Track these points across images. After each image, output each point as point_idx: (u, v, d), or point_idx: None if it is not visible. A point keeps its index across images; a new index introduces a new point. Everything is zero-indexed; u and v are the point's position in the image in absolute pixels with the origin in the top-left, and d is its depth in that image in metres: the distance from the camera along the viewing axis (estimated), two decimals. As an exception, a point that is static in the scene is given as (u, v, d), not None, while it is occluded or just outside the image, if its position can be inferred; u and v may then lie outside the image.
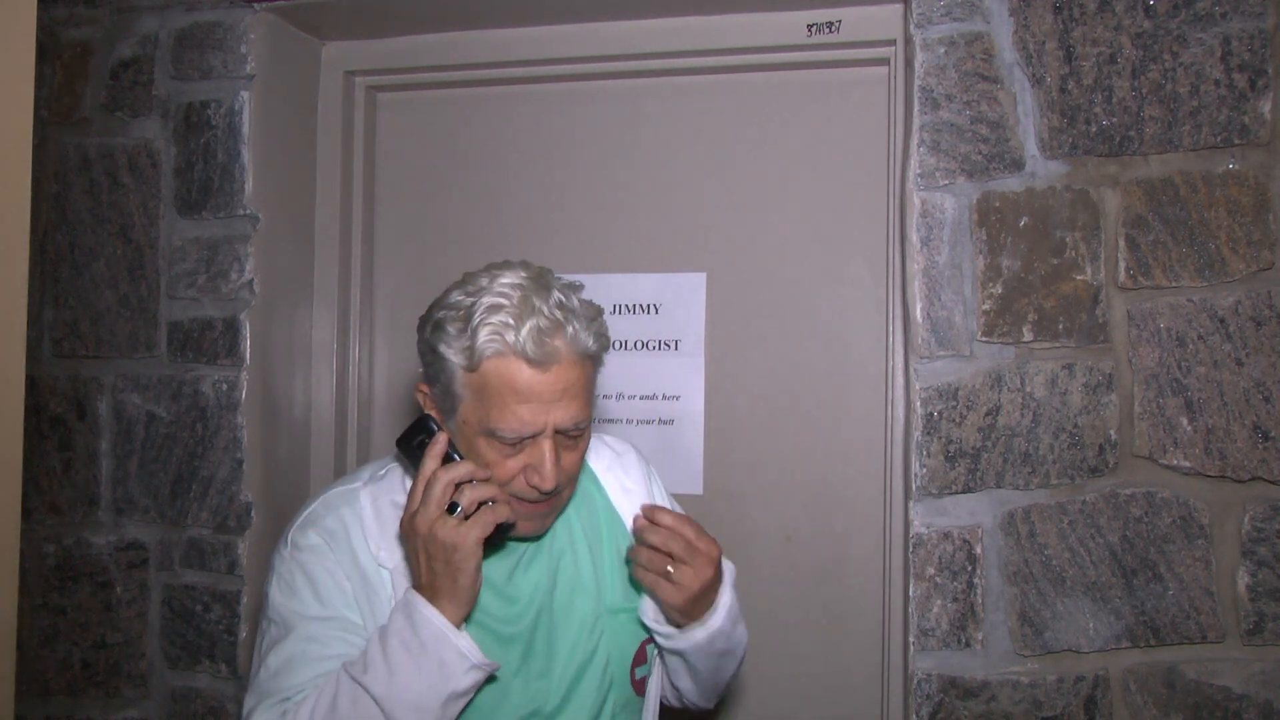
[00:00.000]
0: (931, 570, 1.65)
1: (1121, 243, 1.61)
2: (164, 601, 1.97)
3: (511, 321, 1.04)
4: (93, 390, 2.00)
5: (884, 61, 1.91)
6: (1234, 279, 1.57)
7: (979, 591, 1.63)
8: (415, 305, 2.15)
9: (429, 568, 1.05)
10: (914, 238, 1.67)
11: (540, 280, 1.10)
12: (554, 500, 1.14)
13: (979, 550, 1.63)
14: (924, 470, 1.65)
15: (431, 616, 1.04)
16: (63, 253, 2.01)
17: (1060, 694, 1.61)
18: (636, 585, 1.21)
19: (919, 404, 1.65)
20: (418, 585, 1.07)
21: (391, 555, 1.14)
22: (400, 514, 1.11)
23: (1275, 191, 1.56)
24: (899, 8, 1.81)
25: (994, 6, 1.65)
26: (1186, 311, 1.58)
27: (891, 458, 1.84)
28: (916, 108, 1.67)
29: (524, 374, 1.05)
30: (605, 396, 2.06)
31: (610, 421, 2.05)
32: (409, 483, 1.15)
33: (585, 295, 1.14)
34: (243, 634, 1.92)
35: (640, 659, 1.24)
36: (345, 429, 2.13)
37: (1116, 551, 1.60)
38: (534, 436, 1.08)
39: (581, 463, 1.17)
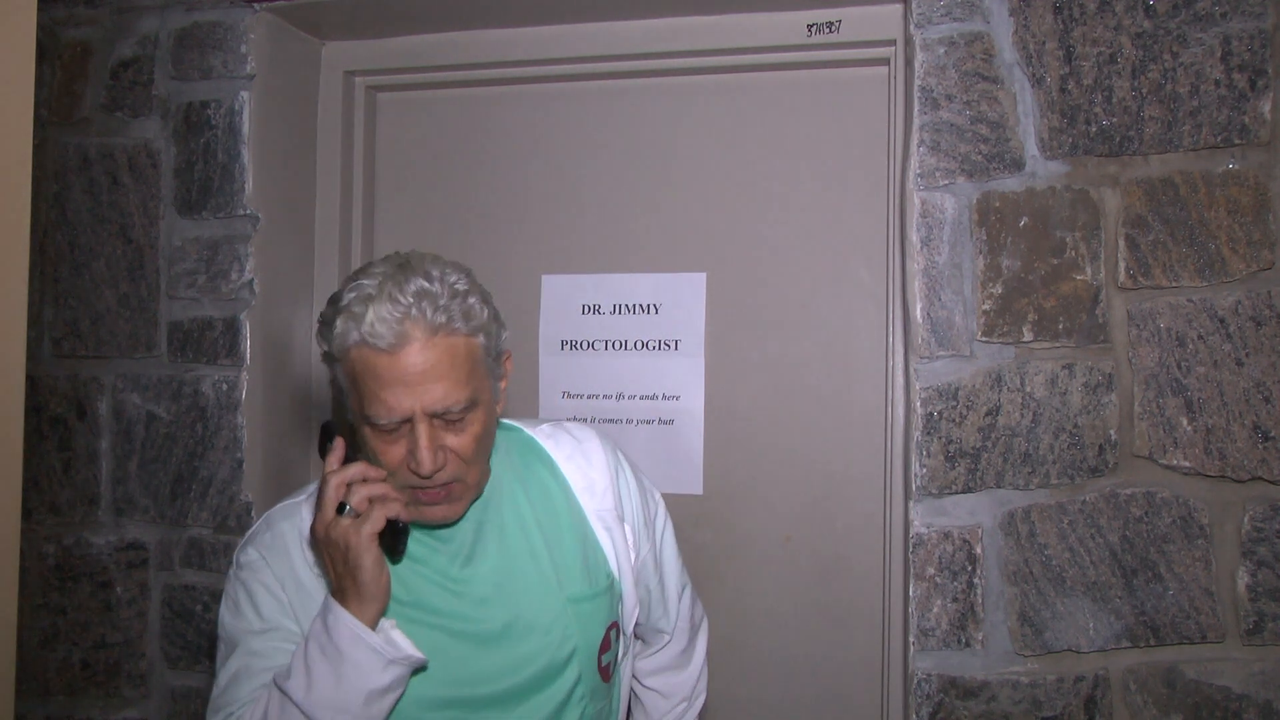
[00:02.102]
0: (931, 570, 1.65)
1: (1121, 243, 1.61)
2: (164, 601, 1.97)
3: (359, 310, 1.05)
4: (93, 390, 2.00)
5: (884, 61, 1.91)
6: (1234, 279, 1.57)
7: (979, 591, 1.63)
8: (415, 305, 2.16)
9: (334, 570, 1.07)
10: (914, 238, 1.67)
11: (406, 266, 1.09)
12: (452, 486, 1.12)
13: (979, 550, 1.63)
14: (924, 470, 1.65)
15: (342, 617, 1.06)
16: (63, 253, 2.02)
17: (1060, 694, 1.61)
18: (599, 572, 1.23)
19: (919, 404, 1.65)
20: (332, 592, 1.09)
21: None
22: None
23: (1275, 191, 1.56)
24: (899, 8, 1.81)
25: (994, 6, 1.65)
26: (1186, 311, 1.58)
27: (891, 458, 1.84)
28: (916, 108, 1.67)
29: (379, 359, 1.05)
30: (605, 396, 2.06)
31: (610, 421, 2.05)
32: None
33: (466, 280, 1.14)
34: (243, 634, 1.92)
35: (605, 646, 1.24)
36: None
37: (1116, 551, 1.60)
38: (409, 421, 1.07)
39: (479, 444, 1.13)
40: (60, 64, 2.03)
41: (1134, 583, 1.59)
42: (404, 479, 1.10)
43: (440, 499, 1.12)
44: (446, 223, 2.15)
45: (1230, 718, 1.57)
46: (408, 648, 1.08)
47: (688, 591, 1.42)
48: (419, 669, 1.11)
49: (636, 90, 2.07)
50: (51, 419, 2.02)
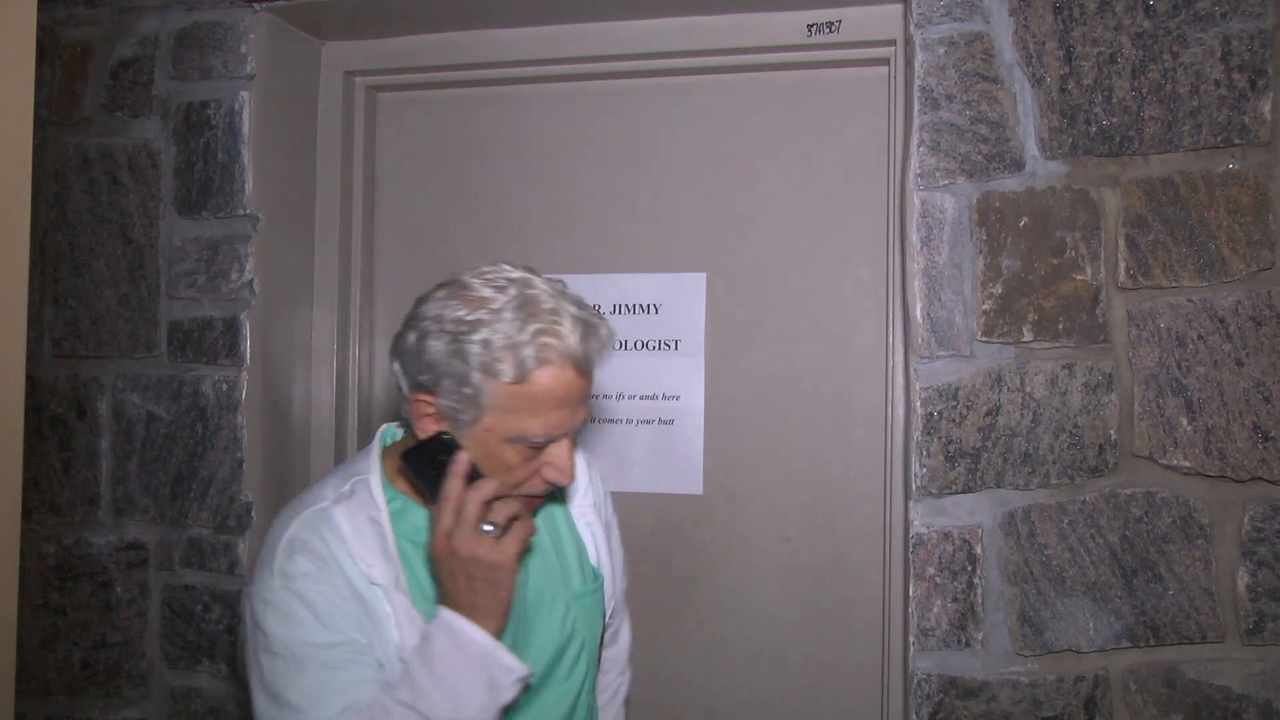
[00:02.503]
0: (931, 570, 1.65)
1: (1121, 243, 1.61)
2: (164, 601, 1.97)
3: (559, 329, 1.06)
4: (93, 390, 2.00)
5: (884, 61, 1.91)
6: (1234, 279, 1.57)
7: (979, 591, 1.63)
8: (415, 305, 2.16)
9: (469, 588, 1.06)
10: (914, 238, 1.67)
11: (551, 283, 1.12)
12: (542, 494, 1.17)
13: (979, 550, 1.63)
14: (924, 470, 1.65)
15: (478, 637, 1.05)
16: (63, 253, 2.02)
17: (1060, 694, 1.61)
18: (589, 568, 1.28)
19: (919, 404, 1.65)
20: (452, 604, 1.07)
21: (383, 572, 1.11)
22: (378, 530, 1.12)
23: (1275, 191, 1.56)
24: (899, 8, 1.81)
25: (994, 6, 1.65)
26: (1186, 311, 1.58)
27: (891, 458, 1.84)
28: (916, 108, 1.67)
29: (569, 380, 1.07)
30: (605, 396, 2.06)
31: (610, 421, 2.05)
32: (379, 495, 1.15)
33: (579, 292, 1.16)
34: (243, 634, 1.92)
35: (602, 637, 1.30)
36: (345, 429, 2.13)
37: (1116, 551, 1.60)
38: (559, 438, 1.11)
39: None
40: (60, 64, 2.02)
41: (1134, 583, 1.59)
42: (530, 488, 1.13)
43: (537, 507, 1.18)
44: (446, 222, 2.15)
45: (1230, 718, 1.57)
46: (524, 666, 1.08)
47: (626, 576, 1.45)
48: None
49: (636, 90, 2.07)
50: (51, 419, 2.02)
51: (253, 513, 1.92)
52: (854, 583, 1.94)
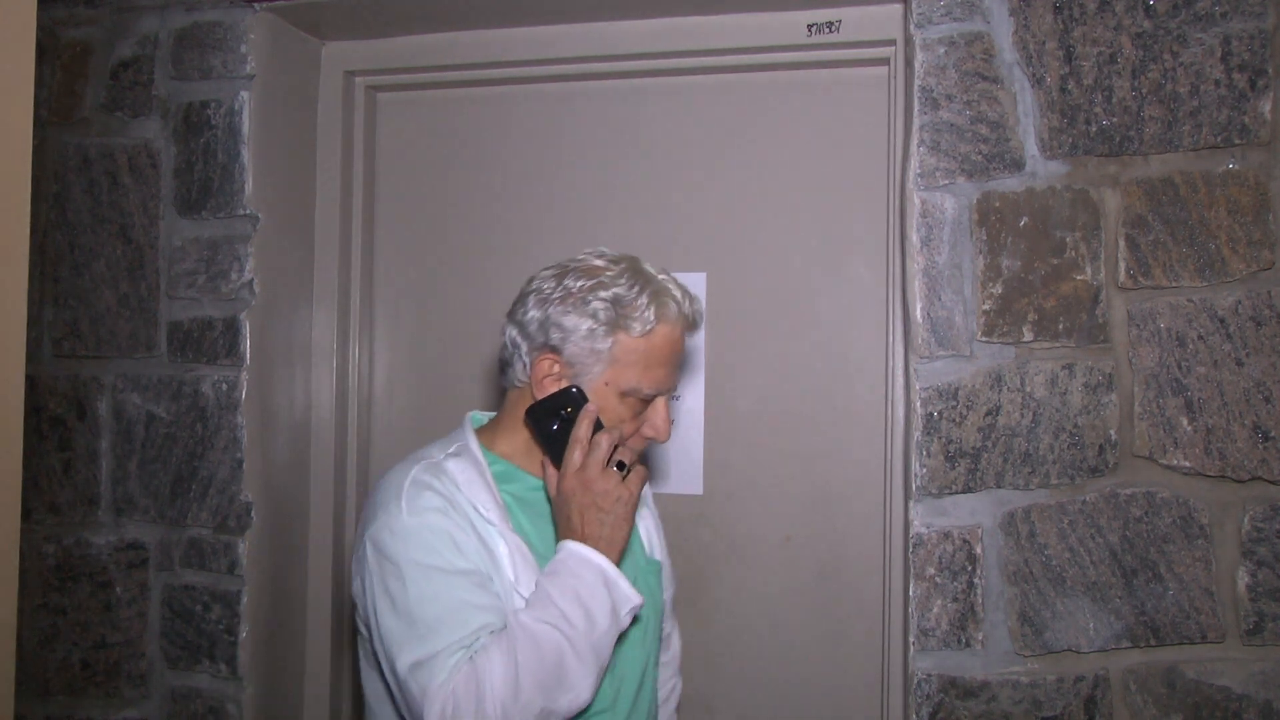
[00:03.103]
0: (931, 570, 1.65)
1: (1121, 243, 1.61)
2: (164, 601, 1.97)
3: (678, 295, 1.23)
4: (93, 390, 2.00)
5: (884, 61, 1.91)
6: (1234, 279, 1.57)
7: (979, 591, 1.63)
8: (415, 305, 2.17)
9: (599, 519, 1.16)
10: (914, 238, 1.67)
11: (637, 261, 1.28)
12: None
13: (979, 550, 1.63)
14: (924, 470, 1.65)
15: (604, 564, 1.15)
16: (63, 253, 2.01)
17: (1060, 694, 1.61)
18: (645, 551, 1.38)
19: (919, 404, 1.65)
20: (576, 538, 1.16)
21: (495, 513, 1.20)
22: (485, 480, 1.22)
23: (1275, 191, 1.56)
24: (899, 8, 1.81)
25: (994, 6, 1.65)
26: (1186, 311, 1.58)
27: (891, 458, 1.84)
28: (916, 108, 1.67)
29: (679, 339, 1.24)
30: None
31: (610, 421, 2.05)
32: (480, 455, 1.26)
33: None
34: (243, 634, 1.92)
35: (665, 615, 1.37)
36: (345, 429, 2.13)
37: (1116, 551, 1.60)
38: (663, 394, 1.25)
39: None
40: (60, 64, 2.02)
41: (1134, 583, 1.59)
42: (632, 444, 1.25)
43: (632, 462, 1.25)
44: (446, 222, 2.15)
45: (1230, 718, 1.57)
46: (638, 595, 1.18)
47: (673, 583, 1.53)
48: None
49: (636, 90, 2.07)
50: (51, 419, 2.02)
51: (253, 513, 1.92)
52: (854, 583, 1.94)
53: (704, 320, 1.28)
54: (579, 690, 1.12)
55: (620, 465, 1.18)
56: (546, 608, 1.12)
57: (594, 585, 1.14)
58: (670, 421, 1.26)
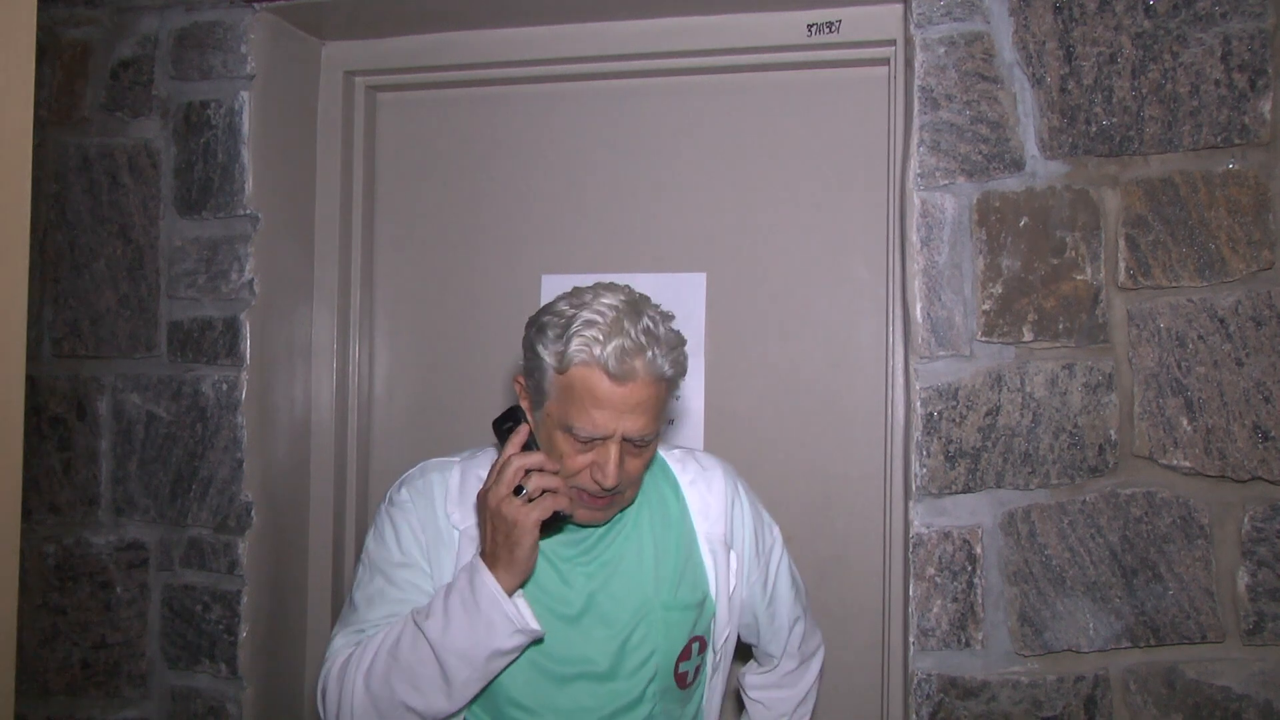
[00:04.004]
0: (931, 570, 1.65)
1: (1121, 243, 1.61)
2: (164, 601, 1.97)
3: (600, 337, 1.18)
4: (93, 390, 2.00)
5: (884, 61, 1.91)
6: (1234, 279, 1.57)
7: (979, 591, 1.63)
8: (415, 305, 2.17)
9: (492, 538, 1.19)
10: (914, 238, 1.67)
11: (635, 306, 1.23)
12: (614, 496, 1.26)
13: (979, 550, 1.63)
14: (924, 470, 1.65)
15: (488, 581, 1.18)
16: (63, 253, 2.01)
17: (1060, 694, 1.61)
18: (696, 588, 1.35)
19: (919, 404, 1.65)
20: (482, 553, 1.21)
21: (464, 519, 1.29)
22: (480, 488, 1.27)
23: (1275, 191, 1.56)
24: (899, 8, 1.81)
25: (994, 6, 1.65)
26: (1186, 311, 1.58)
27: (891, 458, 1.84)
28: (916, 108, 1.67)
29: (603, 385, 1.19)
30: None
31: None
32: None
33: (676, 329, 1.26)
34: (243, 634, 1.92)
35: (685, 655, 1.35)
36: (345, 429, 2.13)
37: (1116, 551, 1.60)
38: (604, 439, 1.21)
39: (645, 468, 1.29)
40: (60, 64, 2.02)
41: (1134, 583, 1.59)
42: (579, 481, 1.24)
43: (601, 506, 1.27)
44: (447, 222, 2.15)
45: (1230, 718, 1.57)
46: (533, 622, 1.20)
47: (800, 624, 1.53)
48: (536, 641, 1.24)
49: (636, 90, 2.07)
50: (51, 419, 2.02)
51: (253, 513, 1.92)
52: (854, 582, 1.94)
53: (653, 376, 1.20)
54: (430, 698, 1.19)
55: (519, 490, 1.18)
56: (427, 611, 1.20)
57: (470, 597, 1.18)
58: (616, 465, 1.21)
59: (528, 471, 1.19)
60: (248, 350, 1.93)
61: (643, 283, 2.04)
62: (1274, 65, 1.56)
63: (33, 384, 2.01)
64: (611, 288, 1.26)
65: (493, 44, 2.04)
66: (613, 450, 1.21)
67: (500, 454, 1.23)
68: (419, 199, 2.17)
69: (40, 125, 2.02)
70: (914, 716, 1.64)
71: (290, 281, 2.04)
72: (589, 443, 1.22)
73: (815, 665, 1.58)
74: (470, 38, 2.05)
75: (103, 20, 2.00)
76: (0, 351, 0.77)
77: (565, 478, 1.23)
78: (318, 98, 2.11)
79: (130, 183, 1.99)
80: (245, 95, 1.93)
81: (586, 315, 1.20)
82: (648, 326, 1.21)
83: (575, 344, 1.19)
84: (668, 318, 1.26)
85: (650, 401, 1.21)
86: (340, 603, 2.11)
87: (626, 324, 1.19)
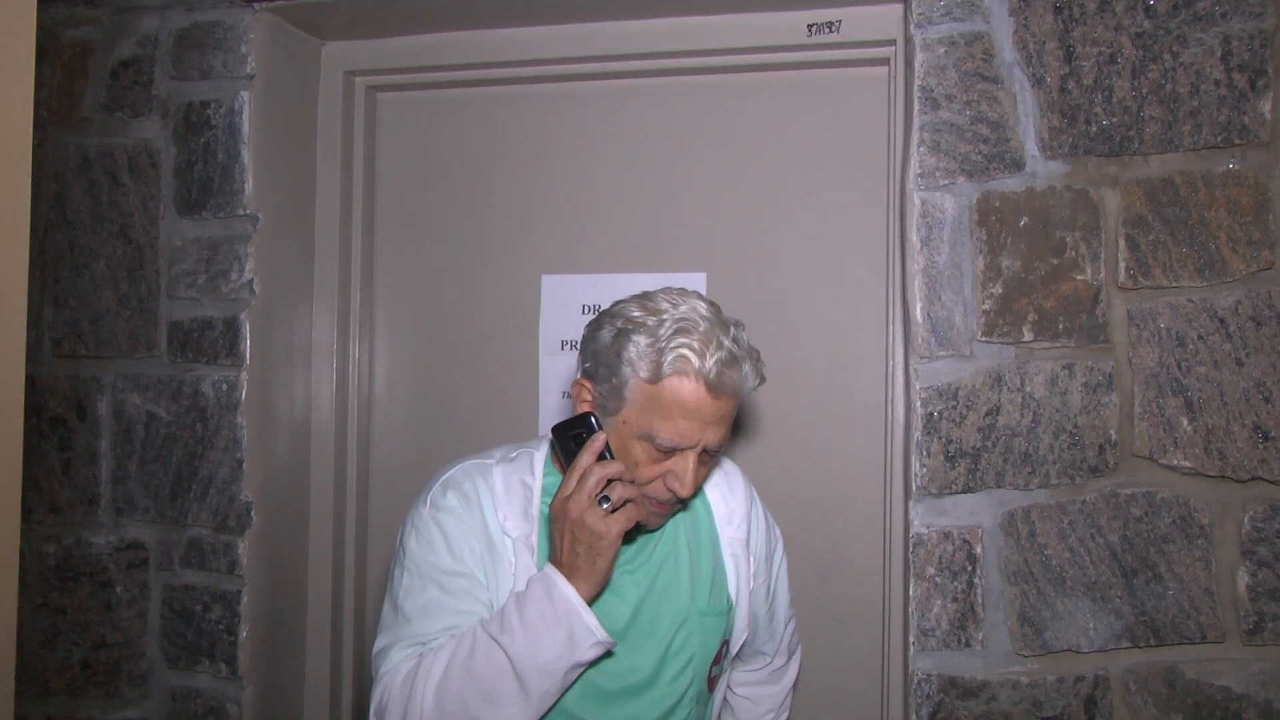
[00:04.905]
0: (931, 570, 1.65)
1: (1121, 243, 1.61)
2: (164, 601, 1.97)
3: (698, 347, 1.16)
4: (93, 390, 2.00)
5: (884, 61, 1.91)
6: (1234, 279, 1.57)
7: (979, 591, 1.63)
8: (415, 305, 2.17)
9: (572, 549, 1.16)
10: (914, 238, 1.67)
11: (720, 315, 1.22)
12: (678, 504, 1.25)
13: (979, 550, 1.63)
14: (924, 470, 1.65)
15: (568, 593, 1.15)
16: (63, 253, 2.01)
17: (1060, 694, 1.61)
18: (722, 593, 1.35)
19: (919, 404, 1.65)
20: (556, 562, 1.17)
21: (516, 526, 1.24)
22: (527, 493, 1.26)
23: (1275, 191, 1.56)
24: (899, 8, 1.81)
25: (994, 6, 1.65)
26: (1186, 311, 1.58)
27: (891, 458, 1.84)
28: (916, 108, 1.67)
29: (698, 395, 1.16)
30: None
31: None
32: (539, 466, 1.30)
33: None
34: (243, 634, 1.92)
35: (717, 659, 1.35)
36: (345, 429, 2.13)
37: (1116, 551, 1.60)
38: (686, 449, 1.19)
39: (708, 477, 1.31)
40: (60, 64, 2.02)
41: (1134, 583, 1.59)
42: (652, 490, 1.21)
43: (665, 513, 1.25)
44: (447, 222, 2.15)
45: (1230, 718, 1.57)
46: (606, 634, 1.16)
47: (793, 622, 1.55)
48: (606, 654, 1.21)
49: (636, 90, 2.07)
50: (51, 419, 2.02)
51: (253, 513, 1.92)
52: (854, 582, 1.94)
53: (743, 389, 1.20)
54: (507, 712, 1.14)
55: (605, 500, 1.16)
56: (496, 621, 1.16)
57: (550, 611, 1.14)
58: (694, 474, 1.20)
59: (609, 481, 1.17)
60: (248, 350, 1.93)
61: (643, 283, 2.05)
62: (1274, 65, 1.56)
63: (33, 384, 2.01)
64: (684, 293, 1.23)
65: (493, 44, 2.04)
66: (692, 460, 1.19)
67: (573, 463, 1.19)
68: (419, 199, 2.17)
69: (40, 125, 2.02)
70: (914, 716, 1.64)
71: (290, 281, 2.04)
72: (669, 452, 1.19)
73: (798, 660, 1.60)
74: (470, 38, 2.05)
75: (103, 20, 2.00)
76: (0, 351, 0.77)
77: (638, 486, 1.20)
78: (318, 98, 2.11)
79: (130, 183, 1.99)
80: (245, 95, 1.93)
81: (677, 323, 1.17)
82: (738, 337, 1.20)
83: (671, 355, 1.15)
84: (740, 326, 1.24)
85: (730, 414, 1.21)
86: (340, 603, 2.11)
87: (720, 335, 1.17)
